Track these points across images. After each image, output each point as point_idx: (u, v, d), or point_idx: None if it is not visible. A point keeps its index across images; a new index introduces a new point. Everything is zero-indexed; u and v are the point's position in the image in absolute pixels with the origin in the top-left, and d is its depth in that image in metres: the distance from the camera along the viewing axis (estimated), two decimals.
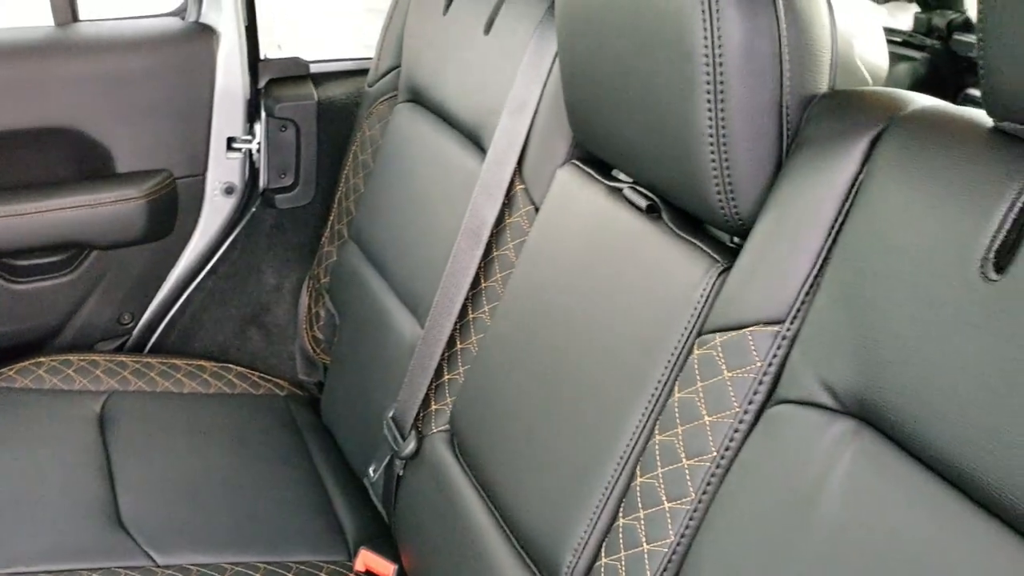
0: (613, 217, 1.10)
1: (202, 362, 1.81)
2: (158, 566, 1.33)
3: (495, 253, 1.31)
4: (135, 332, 1.91)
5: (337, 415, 1.67)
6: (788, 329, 0.87)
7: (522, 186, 1.29)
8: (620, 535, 0.97)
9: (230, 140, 1.85)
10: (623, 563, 0.96)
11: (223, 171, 1.86)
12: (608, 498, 1.00)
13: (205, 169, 1.85)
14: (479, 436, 1.22)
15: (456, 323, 1.32)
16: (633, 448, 0.99)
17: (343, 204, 1.78)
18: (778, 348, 0.88)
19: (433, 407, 1.35)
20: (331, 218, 1.81)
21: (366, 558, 1.41)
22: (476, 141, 1.41)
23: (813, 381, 0.83)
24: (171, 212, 1.83)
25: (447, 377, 1.34)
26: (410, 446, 1.33)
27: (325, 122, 1.87)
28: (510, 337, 1.21)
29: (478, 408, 1.24)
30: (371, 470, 1.41)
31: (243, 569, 1.36)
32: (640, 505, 0.95)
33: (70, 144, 1.74)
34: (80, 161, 1.76)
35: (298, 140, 1.86)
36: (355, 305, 1.63)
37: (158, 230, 1.81)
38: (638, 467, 0.97)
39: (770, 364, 0.88)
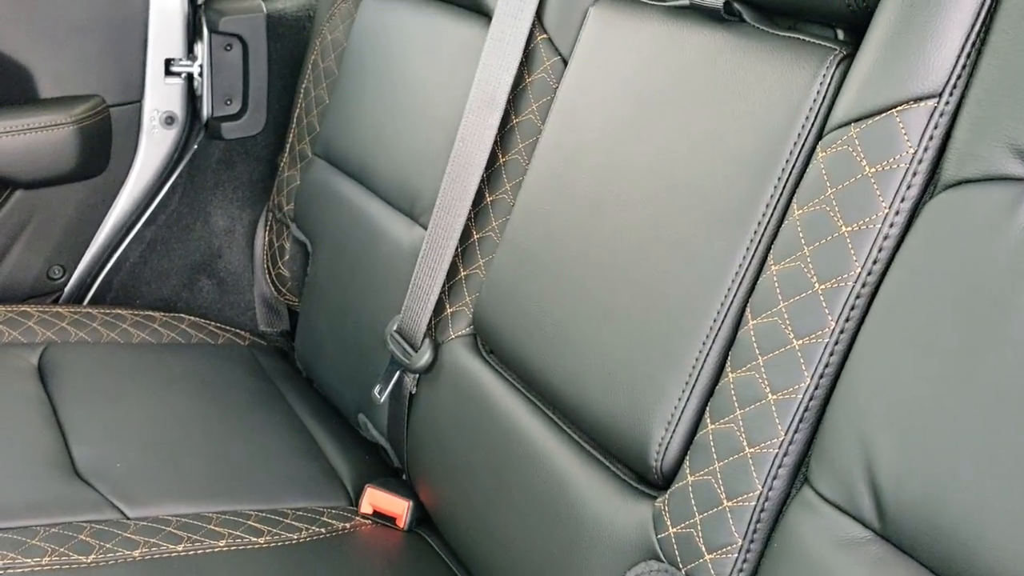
0: (679, 38, 0.93)
1: (150, 312, 1.58)
2: (129, 518, 1.11)
3: (514, 121, 1.13)
4: (67, 289, 1.68)
5: (317, 355, 1.46)
6: (946, 103, 0.72)
7: (544, 36, 1.11)
8: (732, 391, 0.79)
9: (168, 63, 1.63)
10: (740, 423, 0.78)
11: (161, 98, 1.64)
12: (708, 352, 0.82)
13: (141, 96, 1.63)
14: (514, 332, 1.03)
15: (470, 212, 1.13)
16: (738, 288, 0.82)
17: (304, 121, 1.58)
18: (935, 127, 0.72)
19: (448, 311, 1.15)
20: (289, 140, 1.61)
21: (373, 497, 1.21)
22: (474, 5, 1.23)
23: (997, 150, 0.67)
24: (104, 144, 1.60)
25: (464, 274, 1.15)
26: (425, 357, 1.14)
27: (275, 39, 1.66)
28: (542, 213, 1.03)
29: (509, 300, 1.05)
30: (376, 391, 1.21)
31: (231, 517, 1.14)
32: (757, 351, 0.78)
33: None
34: None
35: (245, 60, 1.64)
36: (332, 225, 1.43)
37: (90, 165, 1.58)
38: (748, 309, 0.80)
39: (926, 148, 0.72)
